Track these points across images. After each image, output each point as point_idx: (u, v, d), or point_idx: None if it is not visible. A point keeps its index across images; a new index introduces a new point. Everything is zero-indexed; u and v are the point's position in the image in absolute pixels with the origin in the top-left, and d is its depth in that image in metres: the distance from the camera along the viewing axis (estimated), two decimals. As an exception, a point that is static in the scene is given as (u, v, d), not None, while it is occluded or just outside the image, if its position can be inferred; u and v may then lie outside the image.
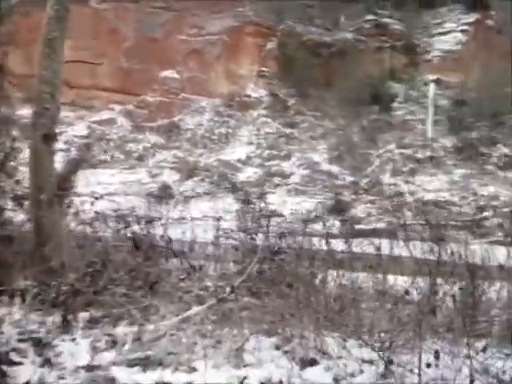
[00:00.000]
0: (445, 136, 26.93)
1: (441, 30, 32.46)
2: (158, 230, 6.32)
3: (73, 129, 27.47)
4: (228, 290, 4.28)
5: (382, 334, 3.48)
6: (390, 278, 4.59)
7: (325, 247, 5.50)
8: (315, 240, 5.94)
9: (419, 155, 25.32)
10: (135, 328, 3.91)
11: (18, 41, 28.24)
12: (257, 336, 3.87)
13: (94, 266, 4.83)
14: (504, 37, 32.08)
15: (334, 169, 24.49)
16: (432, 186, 22.59)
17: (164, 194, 23.44)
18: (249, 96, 29.30)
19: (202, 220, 20.38)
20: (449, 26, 32.49)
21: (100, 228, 6.61)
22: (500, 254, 5.67)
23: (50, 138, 5.16)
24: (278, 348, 3.87)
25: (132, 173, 26.25)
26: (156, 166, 26.54)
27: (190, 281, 4.65)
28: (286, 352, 3.77)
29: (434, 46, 31.63)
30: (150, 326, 3.94)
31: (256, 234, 5.34)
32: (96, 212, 7.57)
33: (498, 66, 27.90)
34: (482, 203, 20.68)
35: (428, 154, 25.35)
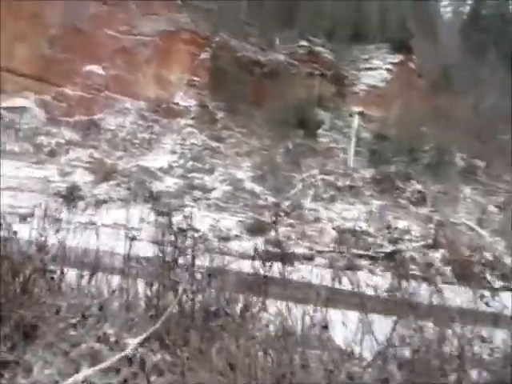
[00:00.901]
0: (364, 167, 27.93)
1: (368, 66, 34.03)
2: (53, 241, 5.14)
3: (-23, 113, 24.87)
4: (135, 342, 3.02)
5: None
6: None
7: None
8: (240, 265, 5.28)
9: (339, 183, 25.93)
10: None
11: None
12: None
13: None
14: (424, 80, 34.39)
15: (257, 188, 24.25)
16: (350, 214, 23.12)
17: (72, 196, 21.72)
18: (177, 104, 28.39)
19: (112, 228, 19.08)
20: (375, 62, 34.14)
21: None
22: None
23: None
24: None
25: (40, 168, 24.17)
26: (68, 164, 24.64)
27: (84, 325, 3.41)
28: None
29: (360, 80, 32.99)
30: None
31: (176, 264, 4.30)
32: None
33: (416, 107, 29.64)
34: (395, 236, 21.46)
35: (348, 182, 26.04)
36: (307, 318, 3.55)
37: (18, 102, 26.16)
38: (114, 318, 3.53)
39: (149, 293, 3.80)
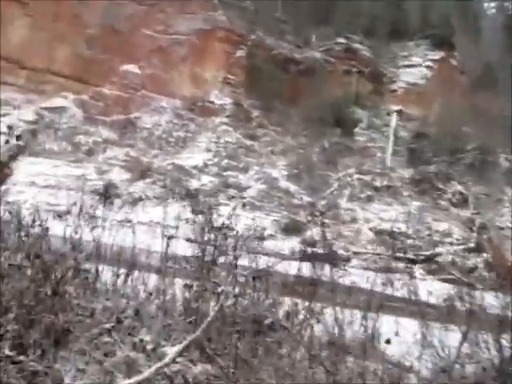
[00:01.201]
0: (403, 167, 27.12)
1: (407, 63, 33.08)
2: (88, 238, 4.96)
3: (19, 112, 25.45)
4: (173, 351, 2.68)
5: None
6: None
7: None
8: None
9: (377, 183, 25.24)
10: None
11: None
12: None
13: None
14: (466, 78, 33.17)
15: (292, 187, 23.88)
16: (387, 215, 22.43)
17: (108, 193, 21.93)
18: (212, 102, 28.32)
19: (148, 225, 19.15)
20: (415, 59, 33.16)
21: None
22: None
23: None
24: None
25: (78, 167, 24.53)
26: (105, 163, 24.92)
27: (119, 331, 3.07)
28: None
29: (399, 78, 32.11)
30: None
31: (215, 264, 3.96)
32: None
33: (459, 105, 28.58)
34: (435, 238, 20.65)
35: (385, 182, 25.32)
36: (359, 326, 3.23)
37: (58, 101, 26.65)
38: (151, 323, 3.27)
39: (187, 295, 3.54)
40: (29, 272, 3.31)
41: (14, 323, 2.73)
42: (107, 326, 2.98)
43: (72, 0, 27.44)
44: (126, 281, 4.45)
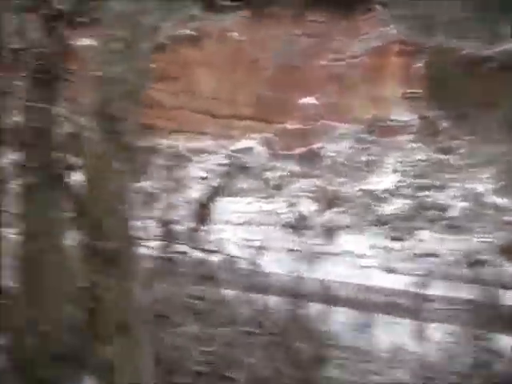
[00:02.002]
0: None
1: None
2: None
3: (214, 158, 27.94)
4: None
5: None
6: None
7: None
8: None
9: None
10: None
11: (166, 75, 30.04)
12: None
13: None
14: None
15: (502, 202, 20.80)
16: None
17: (302, 226, 22.15)
18: (394, 120, 26.97)
19: (346, 256, 18.48)
20: None
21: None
22: None
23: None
24: None
25: (268, 202, 25.56)
26: (293, 196, 25.45)
27: None
28: None
29: None
30: None
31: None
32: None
33: None
34: None
35: None
36: None
37: (245, 143, 28.56)
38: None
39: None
40: (260, 342, 2.80)
41: None
42: None
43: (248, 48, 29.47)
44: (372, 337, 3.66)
